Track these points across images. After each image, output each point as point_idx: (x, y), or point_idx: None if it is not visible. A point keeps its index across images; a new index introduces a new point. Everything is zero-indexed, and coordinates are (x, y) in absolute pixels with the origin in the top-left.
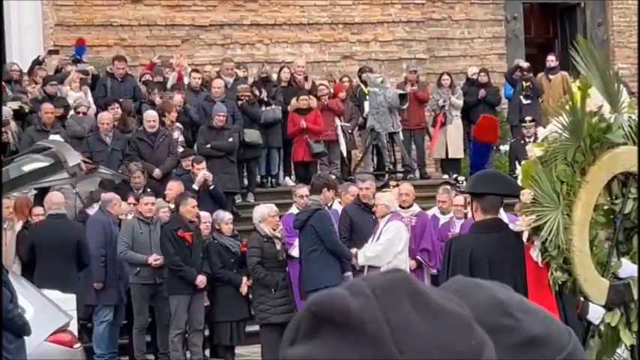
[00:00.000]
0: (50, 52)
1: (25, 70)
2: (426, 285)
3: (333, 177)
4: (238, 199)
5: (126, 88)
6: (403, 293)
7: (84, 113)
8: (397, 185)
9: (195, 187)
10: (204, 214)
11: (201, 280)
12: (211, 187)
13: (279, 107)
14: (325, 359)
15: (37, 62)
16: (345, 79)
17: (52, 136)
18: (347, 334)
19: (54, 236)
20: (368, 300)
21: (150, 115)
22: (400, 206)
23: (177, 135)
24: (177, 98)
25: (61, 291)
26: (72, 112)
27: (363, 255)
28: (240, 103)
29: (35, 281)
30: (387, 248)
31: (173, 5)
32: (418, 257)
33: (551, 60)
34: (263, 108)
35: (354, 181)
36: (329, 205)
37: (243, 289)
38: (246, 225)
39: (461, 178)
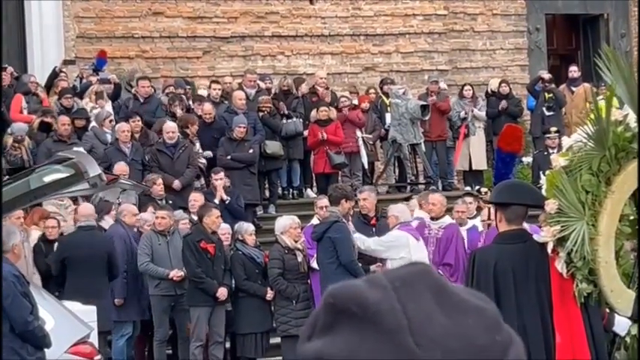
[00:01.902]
0: (66, 62)
1: (43, 83)
2: (450, 282)
3: (350, 187)
4: (260, 211)
5: (149, 109)
6: (424, 286)
7: (111, 121)
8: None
9: (216, 201)
10: (224, 226)
11: (222, 292)
12: (226, 202)
13: (300, 120)
14: (342, 352)
15: (54, 73)
16: (372, 90)
17: (74, 148)
18: (363, 326)
19: (86, 249)
20: (386, 291)
21: (169, 126)
22: (431, 218)
23: (198, 147)
24: (207, 107)
25: (94, 304)
26: (93, 123)
27: (363, 242)
28: (261, 114)
29: (66, 295)
30: (386, 249)
31: (194, 17)
32: (440, 271)
33: (574, 71)
34: (284, 120)
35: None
36: (349, 215)
37: (269, 296)
38: (268, 237)
39: (483, 190)
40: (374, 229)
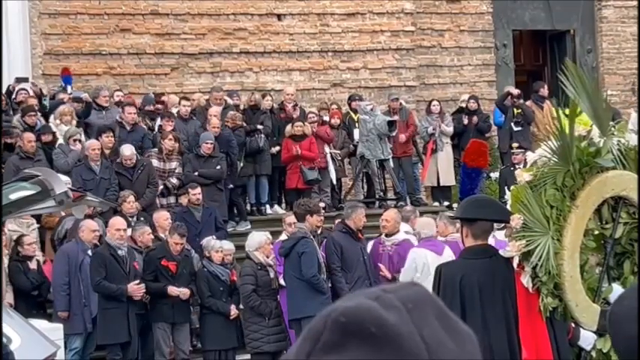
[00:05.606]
0: (18, 80)
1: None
2: None
3: (321, 203)
4: (229, 228)
5: (134, 138)
6: (430, 308)
7: (75, 140)
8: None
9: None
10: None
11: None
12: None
13: (262, 136)
14: None
15: (9, 92)
16: (334, 106)
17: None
18: (382, 347)
19: None
20: (401, 314)
21: (126, 154)
22: (385, 234)
23: (175, 165)
24: (214, 121)
25: None
26: (60, 140)
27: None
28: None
29: None
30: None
31: (162, 33)
32: None
33: (544, 89)
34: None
35: (342, 208)
36: (317, 231)
37: (233, 313)
38: (237, 253)
39: (446, 203)
40: (360, 243)
